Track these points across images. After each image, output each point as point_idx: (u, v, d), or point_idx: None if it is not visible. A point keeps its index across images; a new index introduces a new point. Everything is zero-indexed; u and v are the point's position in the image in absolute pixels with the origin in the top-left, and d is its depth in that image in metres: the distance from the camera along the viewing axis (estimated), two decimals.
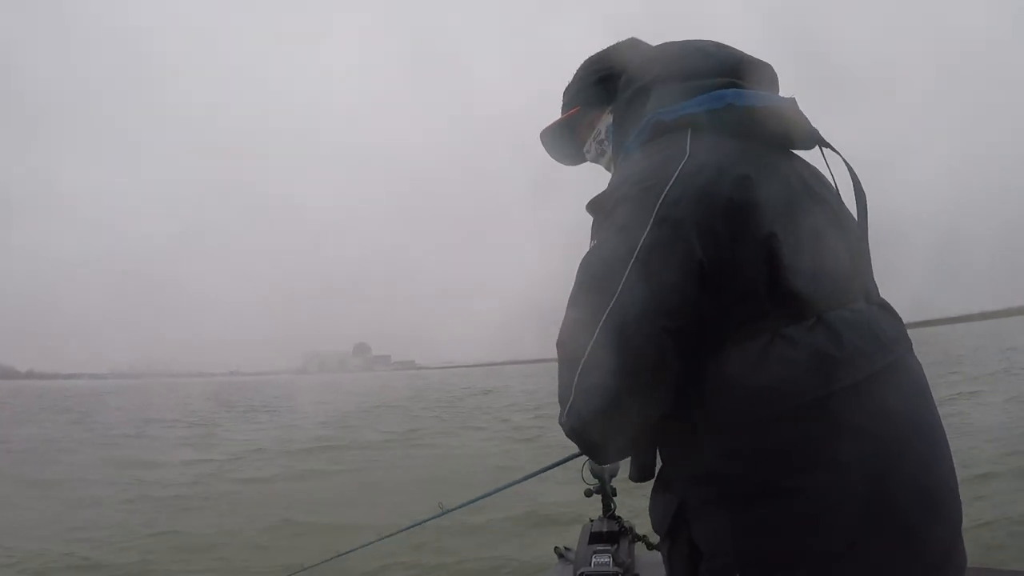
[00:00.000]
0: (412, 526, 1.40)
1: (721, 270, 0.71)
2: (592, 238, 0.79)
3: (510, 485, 1.41)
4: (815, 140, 0.83)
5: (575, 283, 0.78)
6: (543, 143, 1.04)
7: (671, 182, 0.73)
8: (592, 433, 0.75)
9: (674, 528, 0.77)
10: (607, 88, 0.94)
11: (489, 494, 1.40)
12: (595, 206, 0.87)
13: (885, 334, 0.76)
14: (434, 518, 1.35)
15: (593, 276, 0.75)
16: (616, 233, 0.74)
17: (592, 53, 1.01)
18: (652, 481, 0.84)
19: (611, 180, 0.84)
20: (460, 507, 1.36)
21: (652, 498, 0.84)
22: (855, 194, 0.82)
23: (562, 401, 0.75)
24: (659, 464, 0.84)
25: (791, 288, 0.71)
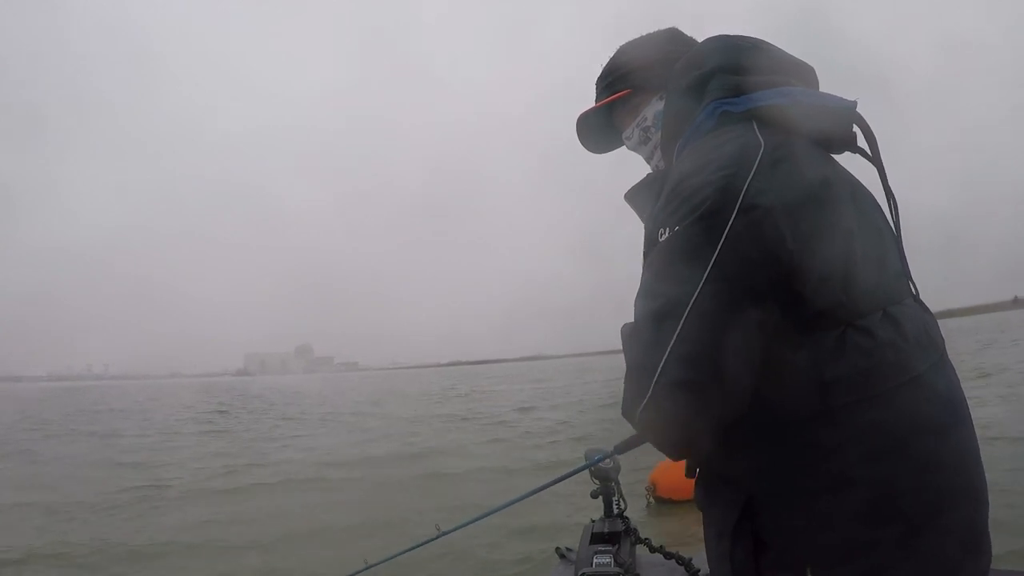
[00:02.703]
0: (407, 550, 1.38)
1: (805, 261, 0.73)
2: (660, 226, 0.78)
3: (511, 503, 1.39)
4: (874, 145, 0.86)
5: (651, 271, 0.79)
6: (578, 127, 1.05)
7: (753, 171, 0.75)
8: (674, 429, 0.75)
9: (740, 524, 0.78)
10: (659, 73, 0.96)
11: (489, 514, 1.38)
12: (641, 194, 0.93)
13: (933, 329, 0.83)
14: (430, 541, 1.35)
15: (675, 263, 0.75)
16: (699, 220, 0.74)
17: (632, 38, 1.03)
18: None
19: (678, 167, 0.84)
20: (458, 528, 1.36)
21: (708, 495, 0.86)
22: (887, 200, 0.87)
23: (635, 395, 0.75)
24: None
25: (863, 282, 0.76)
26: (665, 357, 0.72)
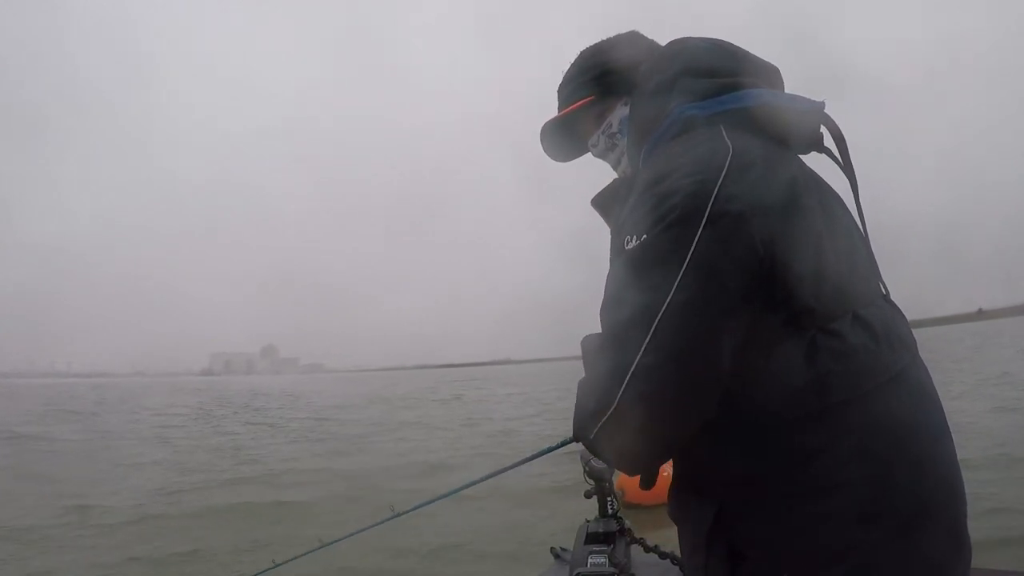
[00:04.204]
0: (362, 530, 1.40)
1: (777, 267, 0.73)
2: (626, 234, 0.78)
3: (469, 485, 1.39)
4: (843, 146, 0.87)
5: (618, 280, 0.78)
6: (543, 136, 1.04)
7: (722, 177, 0.74)
8: (636, 443, 0.75)
9: (714, 534, 0.78)
10: (623, 78, 0.96)
11: (447, 495, 1.39)
12: (608, 200, 0.93)
13: (904, 330, 0.83)
14: (385, 522, 1.36)
15: (643, 272, 0.75)
16: (667, 228, 0.74)
17: (589, 45, 1.03)
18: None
19: (645, 173, 0.83)
20: (413, 509, 1.37)
21: (681, 507, 0.86)
22: (856, 200, 0.88)
23: (597, 408, 0.75)
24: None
25: (834, 285, 0.77)
26: (632, 368, 0.71)
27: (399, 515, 1.36)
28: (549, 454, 1.41)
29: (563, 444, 1.29)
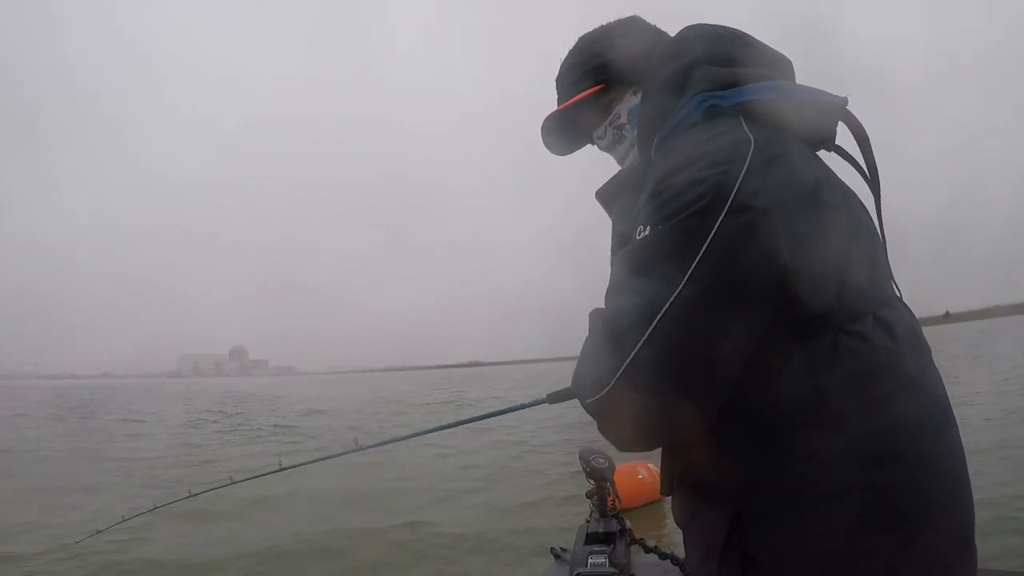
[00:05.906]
0: (322, 459, 1.45)
1: (800, 266, 0.72)
2: (640, 224, 0.77)
3: (435, 430, 1.42)
4: (866, 145, 0.85)
5: (627, 267, 0.76)
6: (545, 130, 1.02)
7: (744, 169, 0.72)
8: (624, 429, 0.76)
9: (729, 542, 0.76)
10: (630, 66, 0.94)
11: (409, 436, 1.42)
12: (614, 191, 0.92)
13: (920, 332, 0.83)
14: (347, 453, 1.39)
15: (654, 262, 0.73)
16: (684, 220, 0.72)
17: (590, 30, 1.00)
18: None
19: (661, 163, 0.81)
20: (376, 445, 1.39)
21: (690, 513, 0.85)
22: (876, 203, 0.86)
23: (591, 386, 0.75)
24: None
25: (856, 286, 0.76)
26: (629, 359, 0.71)
27: (362, 448, 1.42)
28: (523, 409, 1.43)
29: (536, 403, 1.31)
